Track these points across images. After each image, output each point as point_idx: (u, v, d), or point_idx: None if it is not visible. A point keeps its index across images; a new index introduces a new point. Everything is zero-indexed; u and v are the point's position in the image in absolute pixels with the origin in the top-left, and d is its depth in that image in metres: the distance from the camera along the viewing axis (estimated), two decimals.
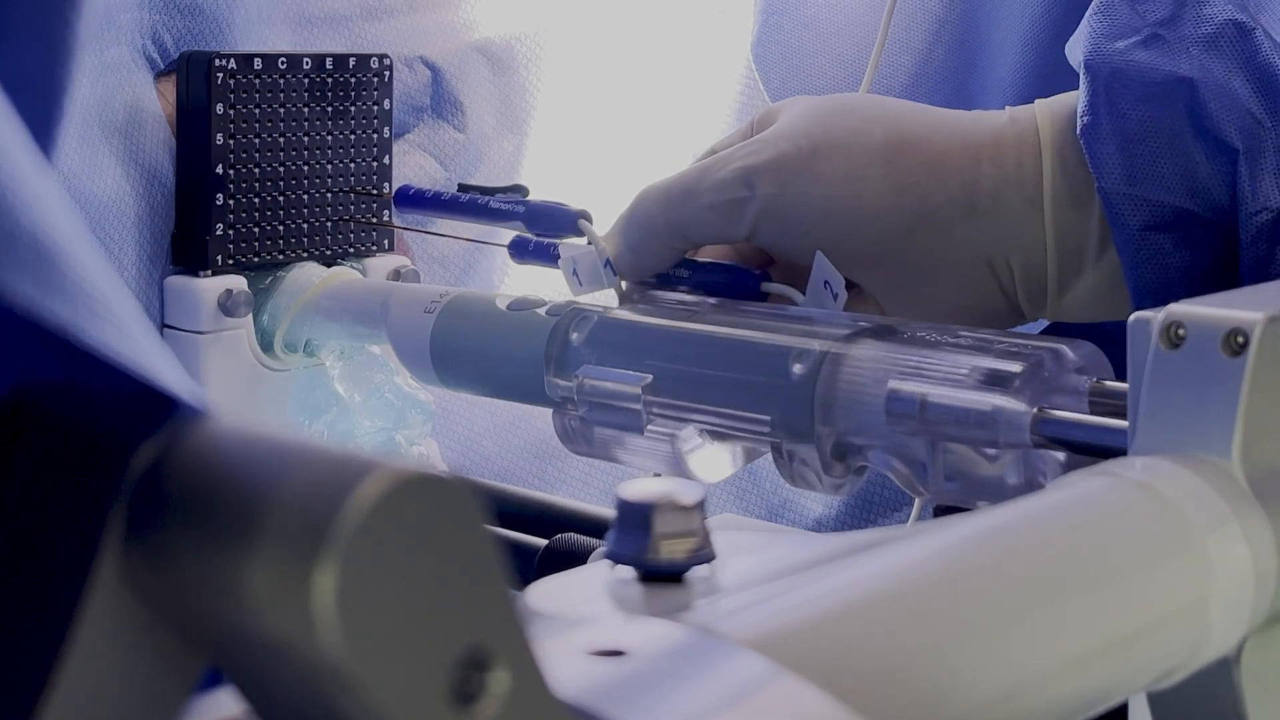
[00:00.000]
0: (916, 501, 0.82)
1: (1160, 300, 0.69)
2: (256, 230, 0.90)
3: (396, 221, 0.96)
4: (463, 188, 0.85)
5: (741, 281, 0.77)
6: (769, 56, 1.02)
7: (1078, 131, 0.71)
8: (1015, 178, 0.72)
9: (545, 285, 0.95)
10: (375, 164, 0.95)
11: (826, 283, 0.73)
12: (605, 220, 0.79)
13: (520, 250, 0.83)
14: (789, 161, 0.73)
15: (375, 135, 0.94)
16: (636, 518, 0.42)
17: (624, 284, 0.77)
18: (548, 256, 0.81)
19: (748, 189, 0.73)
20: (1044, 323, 0.82)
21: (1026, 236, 0.72)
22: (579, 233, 0.78)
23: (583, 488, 0.96)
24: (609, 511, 0.89)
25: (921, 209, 0.72)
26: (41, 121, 0.40)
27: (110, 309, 0.28)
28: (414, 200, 0.88)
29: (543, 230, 0.80)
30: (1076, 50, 0.72)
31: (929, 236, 0.72)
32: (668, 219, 0.75)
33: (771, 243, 0.75)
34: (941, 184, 0.72)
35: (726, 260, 0.79)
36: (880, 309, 0.76)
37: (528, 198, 0.83)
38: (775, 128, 0.75)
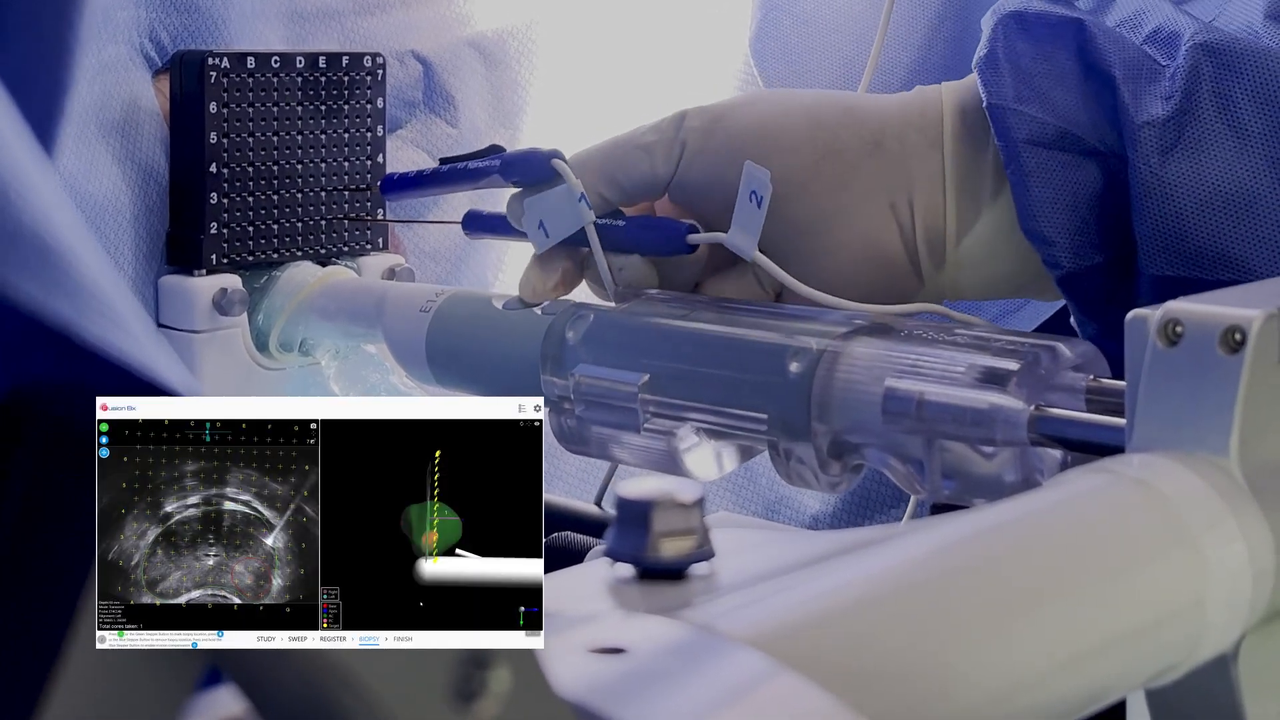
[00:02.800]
0: (911, 499, 0.82)
1: (1048, 227, 0.72)
2: (251, 229, 0.90)
3: (390, 217, 0.96)
4: (443, 161, 0.85)
5: (669, 232, 0.77)
6: (767, 52, 1.02)
7: (973, 65, 0.75)
8: (919, 123, 0.77)
9: None
10: (369, 162, 0.95)
11: (753, 193, 0.74)
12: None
13: (473, 224, 0.83)
14: (720, 106, 0.78)
15: (369, 133, 0.94)
16: (636, 515, 0.42)
17: (595, 218, 0.77)
18: (501, 228, 0.81)
19: (675, 128, 0.77)
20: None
21: (927, 175, 0.76)
22: (553, 173, 0.77)
23: (579, 487, 0.96)
24: (606, 510, 0.89)
25: (833, 143, 0.76)
26: (42, 121, 0.40)
27: (111, 308, 0.28)
28: (399, 185, 0.88)
29: (517, 178, 0.79)
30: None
31: (836, 170, 0.76)
32: (598, 165, 0.77)
33: (694, 180, 0.77)
34: (854, 124, 0.77)
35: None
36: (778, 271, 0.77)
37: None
38: None
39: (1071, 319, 0.76)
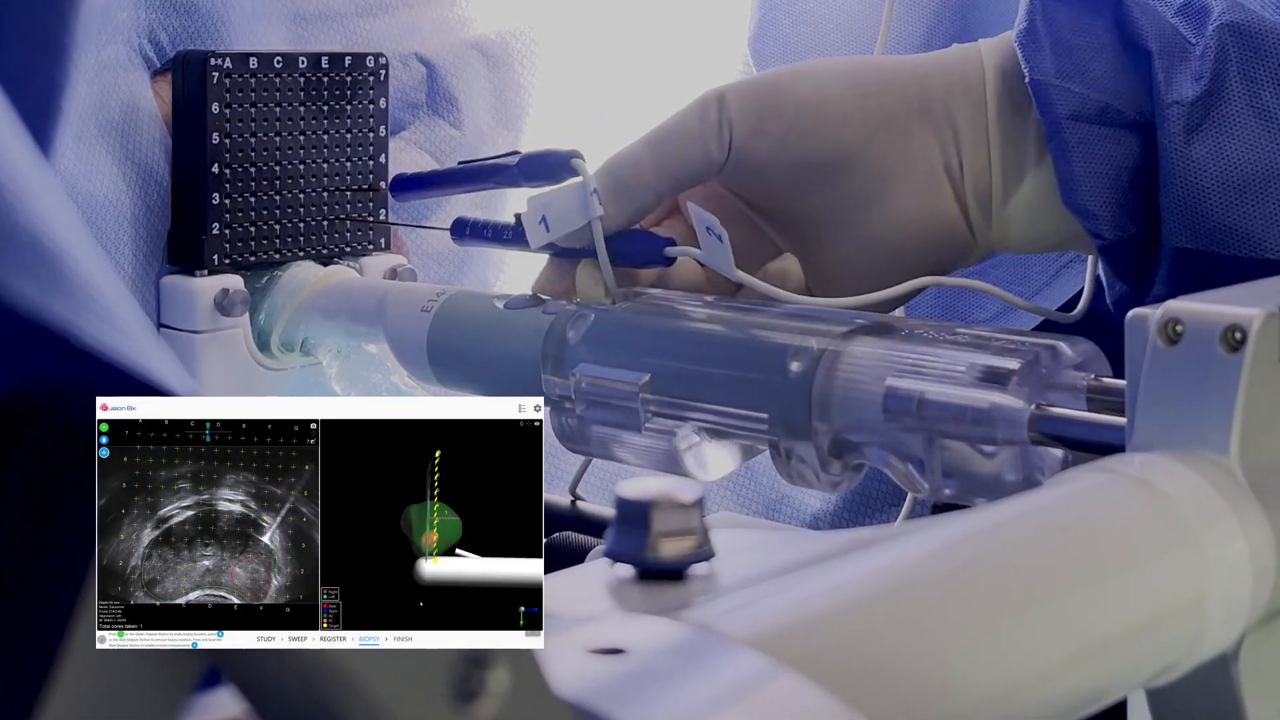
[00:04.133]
0: (908, 499, 0.82)
1: (1090, 200, 0.73)
2: (253, 229, 0.90)
3: (393, 218, 0.96)
4: (462, 164, 0.85)
5: (647, 246, 0.77)
6: (767, 52, 1.02)
7: (1013, 38, 0.76)
8: (962, 86, 0.78)
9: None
10: (371, 162, 0.95)
11: (709, 228, 0.74)
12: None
13: (460, 231, 0.84)
14: (757, 82, 0.78)
15: (371, 134, 0.94)
16: (636, 515, 0.42)
17: (602, 211, 0.77)
18: (492, 237, 0.82)
19: (719, 109, 0.77)
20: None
21: (974, 138, 0.77)
22: (573, 172, 0.78)
23: (582, 487, 0.96)
24: (606, 510, 0.89)
25: (881, 112, 0.77)
26: (39, 121, 0.40)
27: (110, 309, 0.28)
28: (411, 185, 0.88)
29: (537, 178, 0.80)
30: None
31: (889, 139, 0.77)
32: (653, 161, 0.77)
33: (744, 163, 0.77)
34: (898, 91, 0.78)
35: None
36: (823, 240, 0.78)
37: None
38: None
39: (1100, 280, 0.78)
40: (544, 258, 0.81)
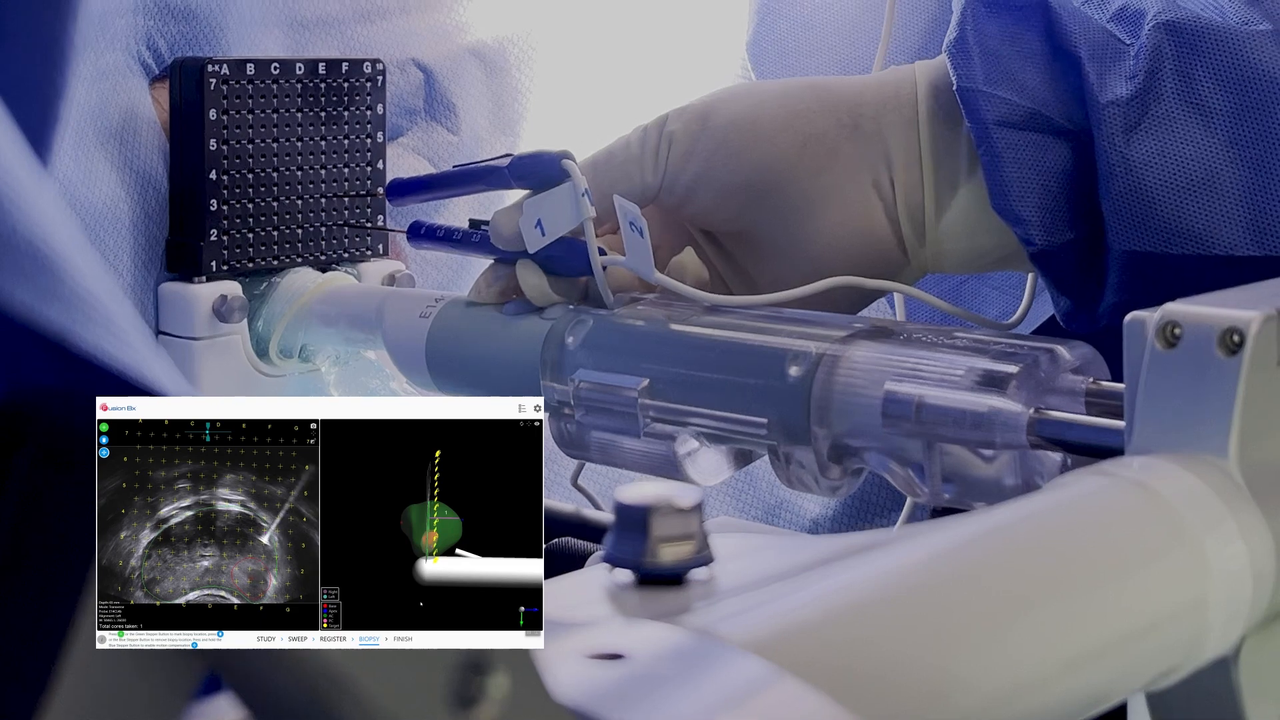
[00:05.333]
0: (907, 503, 0.82)
1: (1020, 206, 0.73)
2: (251, 236, 0.90)
3: (390, 224, 0.96)
4: (456, 167, 0.85)
5: (578, 255, 0.77)
6: (765, 56, 1.02)
7: (944, 48, 0.76)
8: (894, 102, 0.78)
9: None
10: (369, 168, 0.95)
11: (631, 221, 0.75)
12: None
13: (415, 234, 0.84)
14: (694, 107, 0.79)
15: (368, 140, 0.94)
16: (634, 521, 0.42)
17: (594, 212, 0.77)
18: (444, 239, 0.82)
19: (657, 134, 0.78)
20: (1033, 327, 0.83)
21: (905, 153, 0.77)
22: (564, 174, 0.78)
23: (579, 492, 0.96)
24: (606, 515, 0.89)
25: (811, 129, 0.77)
26: (37, 127, 0.40)
27: (107, 315, 0.28)
28: (405, 189, 0.88)
29: (528, 180, 0.80)
30: None
31: (818, 155, 0.77)
32: (594, 180, 0.78)
33: (681, 185, 0.78)
34: (830, 109, 0.78)
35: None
36: (761, 259, 0.79)
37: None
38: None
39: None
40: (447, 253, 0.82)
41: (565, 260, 0.78)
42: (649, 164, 0.78)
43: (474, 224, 0.82)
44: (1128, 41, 0.73)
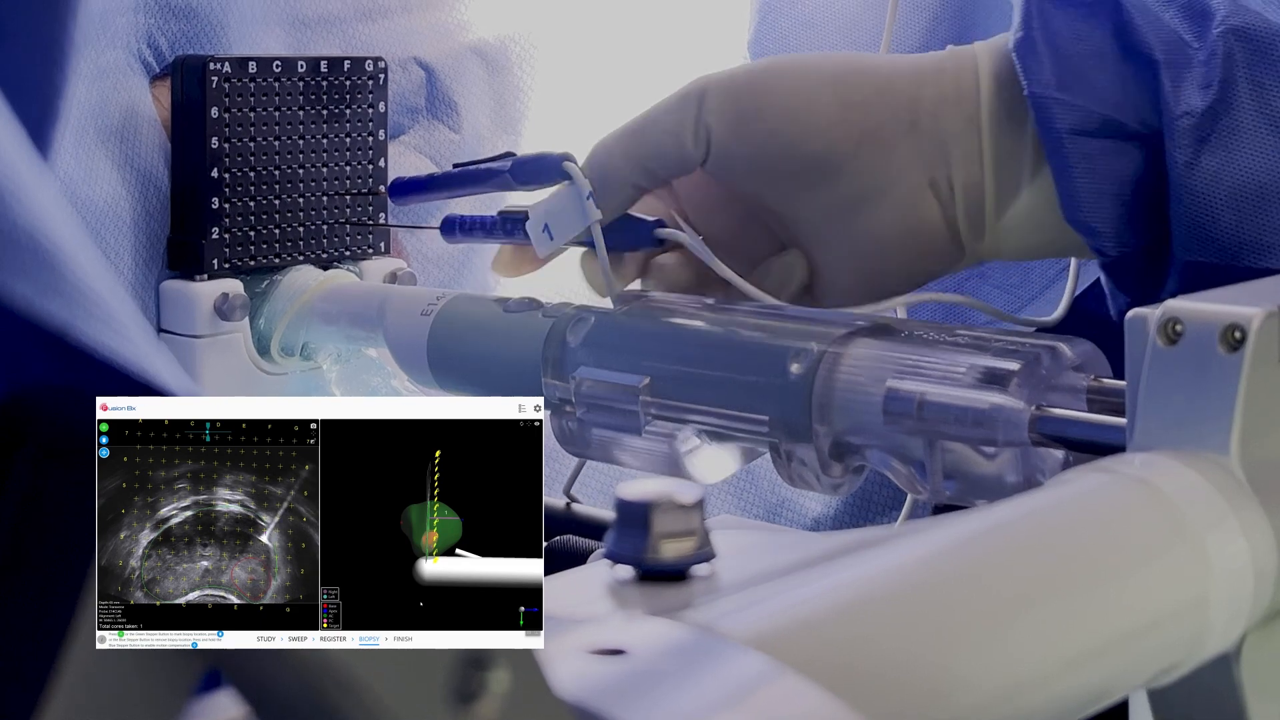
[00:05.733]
0: (908, 500, 0.82)
1: (1094, 217, 0.72)
2: (252, 234, 0.90)
3: (392, 221, 0.96)
4: (456, 166, 0.85)
5: (637, 229, 0.77)
6: (766, 54, 1.02)
7: (1010, 47, 0.73)
8: (954, 97, 0.75)
9: (542, 286, 0.95)
10: (371, 166, 0.95)
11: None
12: None
13: (450, 228, 0.84)
14: (740, 79, 0.76)
15: (370, 138, 0.94)
16: (636, 517, 0.42)
17: (600, 215, 0.77)
18: (481, 229, 0.82)
19: (698, 106, 0.75)
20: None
21: (965, 153, 0.75)
22: (565, 175, 0.77)
23: (580, 490, 0.96)
24: (607, 513, 0.89)
25: (867, 124, 0.75)
26: (38, 125, 0.40)
27: (109, 310, 0.28)
28: (407, 188, 0.88)
29: (530, 182, 0.80)
30: None
31: (874, 152, 0.75)
32: (625, 153, 0.77)
33: (725, 163, 0.76)
34: (887, 103, 0.75)
35: (676, 210, 0.80)
36: (808, 241, 0.77)
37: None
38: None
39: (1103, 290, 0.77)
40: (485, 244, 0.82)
41: (621, 238, 0.77)
42: (689, 138, 0.75)
43: (505, 214, 0.82)
44: (1195, 44, 0.71)
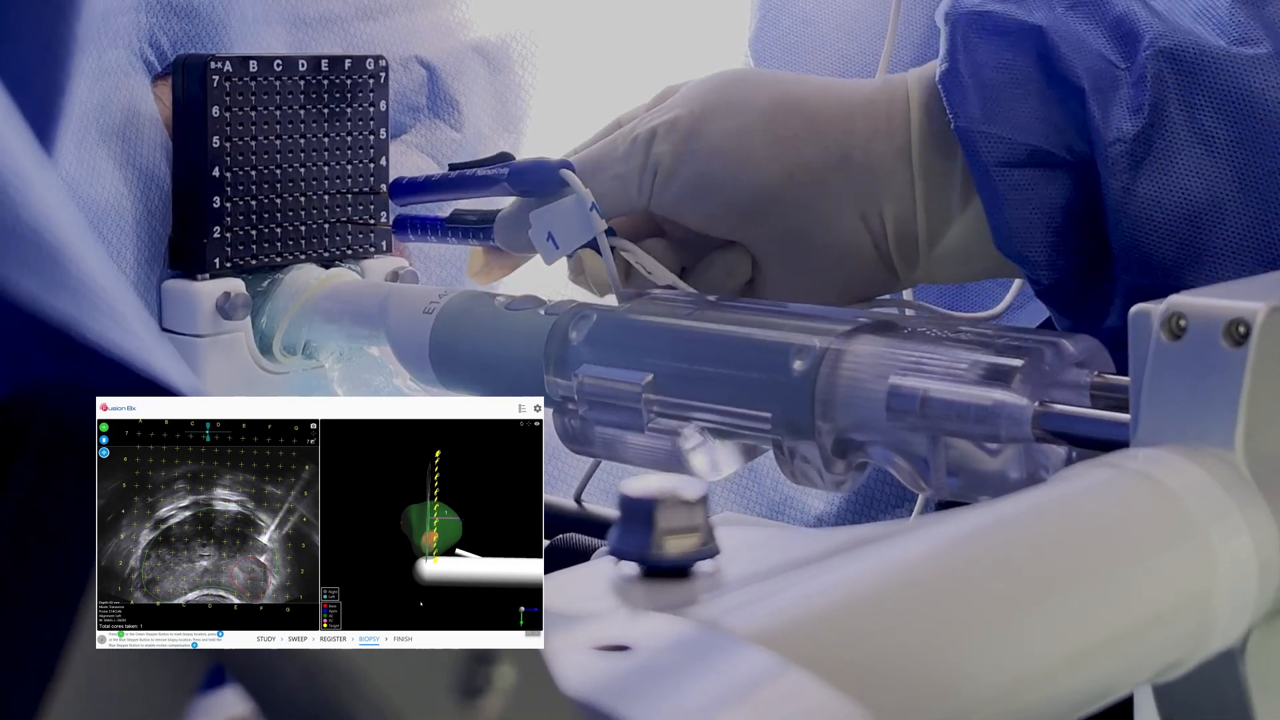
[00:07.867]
0: (919, 498, 0.81)
1: (1026, 247, 0.72)
2: (254, 233, 0.90)
3: (392, 220, 0.96)
4: (453, 167, 0.85)
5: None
6: (767, 53, 1.02)
7: (936, 79, 0.74)
8: (885, 130, 0.76)
9: (544, 285, 0.95)
10: (372, 165, 0.95)
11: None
12: None
13: (401, 228, 0.85)
14: (681, 124, 0.77)
15: (371, 136, 0.94)
16: (640, 513, 0.42)
17: (606, 223, 0.77)
18: (432, 230, 0.83)
19: (645, 153, 0.77)
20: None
21: (896, 186, 0.76)
22: (562, 184, 0.78)
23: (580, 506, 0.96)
24: (610, 511, 0.89)
25: (798, 159, 0.76)
26: (40, 123, 0.40)
27: (112, 306, 0.28)
28: (408, 189, 0.88)
29: (527, 189, 0.80)
30: (940, 9, 0.75)
31: (805, 188, 0.76)
32: (585, 181, 0.78)
33: (667, 205, 0.78)
34: (818, 137, 0.76)
35: (627, 236, 0.81)
36: (761, 272, 0.79)
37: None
38: (673, 99, 0.79)
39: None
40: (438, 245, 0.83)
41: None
42: (633, 184, 0.78)
43: (455, 215, 0.83)
44: (1123, 66, 0.70)
